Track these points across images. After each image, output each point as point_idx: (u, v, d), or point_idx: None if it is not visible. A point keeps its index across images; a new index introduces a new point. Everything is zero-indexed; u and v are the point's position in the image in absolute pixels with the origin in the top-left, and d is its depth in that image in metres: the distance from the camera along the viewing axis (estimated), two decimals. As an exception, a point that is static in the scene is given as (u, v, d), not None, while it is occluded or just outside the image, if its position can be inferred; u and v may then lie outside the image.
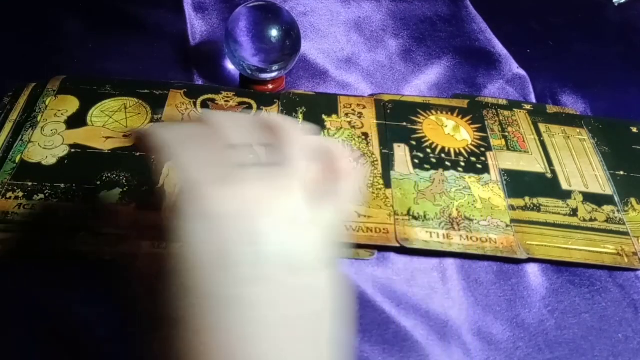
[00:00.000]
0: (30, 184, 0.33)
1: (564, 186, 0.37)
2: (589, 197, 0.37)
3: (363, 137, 0.39)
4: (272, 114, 0.23)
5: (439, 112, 0.41)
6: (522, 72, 0.47)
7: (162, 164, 0.20)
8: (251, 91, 0.41)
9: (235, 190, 0.19)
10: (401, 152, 0.38)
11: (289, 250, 0.19)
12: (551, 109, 0.44)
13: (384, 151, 0.38)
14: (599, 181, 0.38)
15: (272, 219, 0.19)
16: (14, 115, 0.37)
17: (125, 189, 0.33)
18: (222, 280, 0.18)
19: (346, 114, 0.40)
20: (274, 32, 0.38)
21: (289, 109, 0.40)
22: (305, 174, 0.21)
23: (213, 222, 0.18)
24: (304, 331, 0.19)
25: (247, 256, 0.18)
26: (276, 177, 0.20)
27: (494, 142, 0.40)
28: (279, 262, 0.19)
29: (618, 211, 0.36)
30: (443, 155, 0.38)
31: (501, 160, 0.38)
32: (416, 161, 0.37)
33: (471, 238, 0.33)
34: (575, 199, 0.36)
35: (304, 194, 0.21)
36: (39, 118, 0.37)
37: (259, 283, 0.18)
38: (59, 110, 0.38)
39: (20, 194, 0.32)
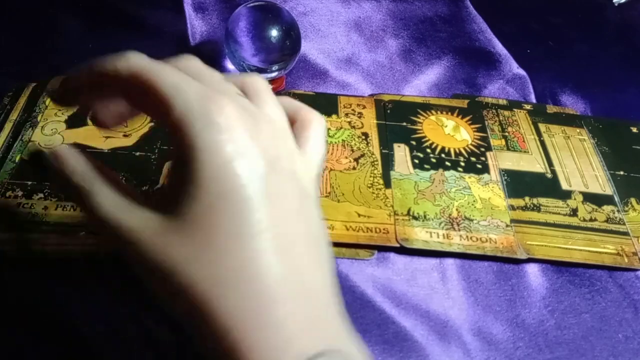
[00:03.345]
0: (29, 183, 0.33)
1: (564, 186, 0.37)
2: (589, 197, 0.37)
3: (363, 137, 0.39)
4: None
5: (439, 112, 0.41)
6: (522, 72, 0.47)
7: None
8: (251, 91, 0.41)
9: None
10: (401, 152, 0.38)
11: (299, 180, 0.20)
12: (551, 109, 0.44)
13: (384, 151, 0.38)
14: (599, 181, 0.38)
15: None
16: (14, 115, 0.37)
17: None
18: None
19: (346, 114, 0.40)
20: (274, 32, 0.38)
21: (289, 109, 0.40)
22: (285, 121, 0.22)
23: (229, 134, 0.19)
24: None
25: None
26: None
27: (494, 142, 0.40)
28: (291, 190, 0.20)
29: (618, 211, 0.36)
30: (443, 155, 0.38)
31: (501, 160, 0.38)
32: (416, 161, 0.37)
33: (471, 238, 0.33)
34: (575, 199, 0.36)
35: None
36: (39, 118, 0.37)
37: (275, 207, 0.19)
38: (59, 110, 0.38)
39: (20, 193, 0.32)
